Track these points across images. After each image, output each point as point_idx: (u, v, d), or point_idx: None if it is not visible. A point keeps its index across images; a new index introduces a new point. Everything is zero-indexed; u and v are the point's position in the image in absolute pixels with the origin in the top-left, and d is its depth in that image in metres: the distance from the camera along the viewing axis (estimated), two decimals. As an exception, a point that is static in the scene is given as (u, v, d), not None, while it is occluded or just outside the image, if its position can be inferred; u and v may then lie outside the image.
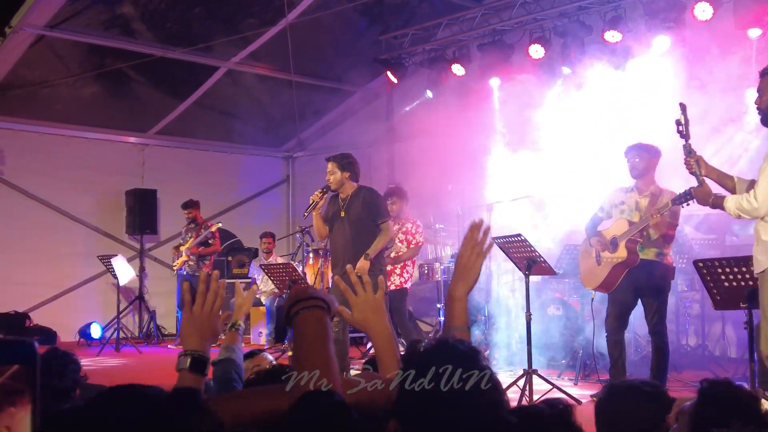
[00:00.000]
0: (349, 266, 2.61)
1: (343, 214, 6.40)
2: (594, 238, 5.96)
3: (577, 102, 8.57)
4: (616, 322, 5.79)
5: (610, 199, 6.06)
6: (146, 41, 9.58)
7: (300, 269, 9.05)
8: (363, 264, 6.06)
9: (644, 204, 5.75)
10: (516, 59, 9.19)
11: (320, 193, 6.45)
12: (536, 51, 8.92)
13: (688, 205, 5.27)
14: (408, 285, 8.15)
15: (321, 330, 1.60)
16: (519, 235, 5.66)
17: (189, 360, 1.93)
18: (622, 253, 5.71)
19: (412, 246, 8.14)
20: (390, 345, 2.17)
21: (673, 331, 7.58)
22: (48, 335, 10.30)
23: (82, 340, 10.58)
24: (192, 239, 10.13)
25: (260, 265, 9.67)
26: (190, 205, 10.40)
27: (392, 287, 7.84)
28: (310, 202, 6.45)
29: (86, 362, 8.87)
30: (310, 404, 1.41)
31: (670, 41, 7.96)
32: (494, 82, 9.59)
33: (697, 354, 7.81)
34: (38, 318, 10.50)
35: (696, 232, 7.66)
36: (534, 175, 8.77)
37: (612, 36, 8.33)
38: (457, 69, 9.77)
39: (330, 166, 6.46)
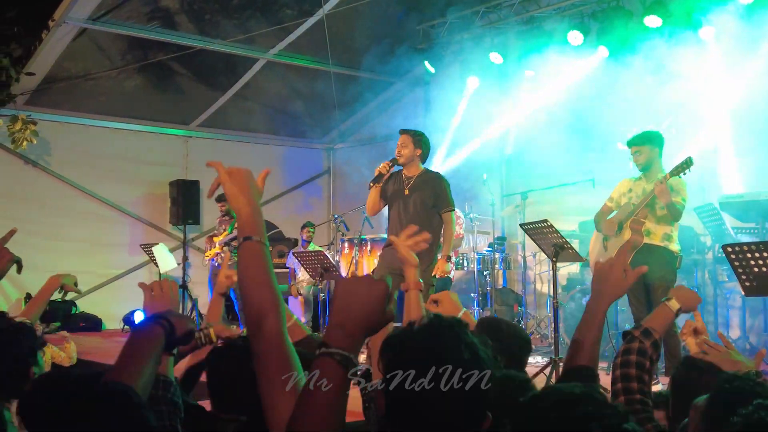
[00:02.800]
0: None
1: (407, 192, 6.11)
2: (601, 224, 5.97)
3: (619, 86, 8.42)
4: (639, 305, 5.72)
5: (619, 189, 6.14)
6: (187, 33, 9.71)
7: (336, 258, 9.09)
8: (443, 267, 5.93)
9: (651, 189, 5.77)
10: (554, 46, 9.03)
11: (388, 164, 6.12)
12: (575, 37, 8.79)
13: (685, 174, 5.37)
14: (452, 275, 8.19)
15: (150, 347, 1.84)
16: (545, 220, 5.58)
17: None
18: (626, 234, 5.69)
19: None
20: None
21: (712, 323, 7.40)
22: (93, 322, 10.58)
23: (126, 327, 10.82)
24: (225, 233, 10.25)
25: (293, 253, 9.72)
26: (224, 197, 10.52)
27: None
28: (376, 173, 6.13)
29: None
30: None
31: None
32: (532, 68, 9.44)
33: (738, 346, 7.53)
34: (84, 305, 10.76)
35: (735, 220, 7.45)
36: (574, 162, 8.67)
37: (652, 21, 8.15)
38: (495, 57, 9.68)
39: (403, 138, 6.21)
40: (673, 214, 5.62)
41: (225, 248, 10.26)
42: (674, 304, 2.41)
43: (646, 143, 5.86)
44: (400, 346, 1.54)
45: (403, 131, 6.35)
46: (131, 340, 1.84)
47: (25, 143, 9.83)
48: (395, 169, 6.27)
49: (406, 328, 1.57)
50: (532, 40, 9.22)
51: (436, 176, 6.26)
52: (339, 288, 1.54)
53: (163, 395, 2.03)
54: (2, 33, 8.84)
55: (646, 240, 5.71)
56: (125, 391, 1.53)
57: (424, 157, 6.28)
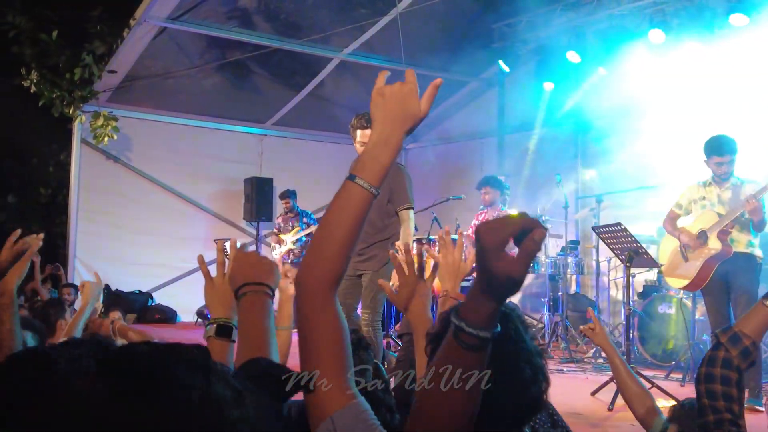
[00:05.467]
0: (404, 244, 2.56)
1: None
2: (682, 235, 5.69)
3: (700, 85, 8.12)
4: (718, 315, 5.45)
5: (688, 195, 5.84)
6: (264, 33, 9.83)
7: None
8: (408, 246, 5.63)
9: (727, 196, 5.54)
10: (634, 44, 8.76)
11: None
12: (656, 36, 8.51)
13: None
14: None
15: (263, 313, 1.77)
16: (619, 224, 5.40)
17: (215, 327, 2.02)
18: (715, 244, 5.43)
19: None
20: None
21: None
22: (168, 314, 10.84)
23: (199, 320, 11.04)
24: (296, 229, 10.42)
25: None
26: (287, 195, 10.70)
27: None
28: None
29: (201, 341, 9.27)
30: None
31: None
32: (610, 67, 9.17)
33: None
34: (160, 298, 11.05)
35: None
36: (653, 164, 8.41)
37: (737, 19, 7.82)
38: (573, 56, 9.46)
39: (369, 131, 5.98)
40: (758, 228, 5.38)
41: (297, 245, 10.40)
42: None
43: (735, 152, 5.55)
44: None
45: (368, 121, 6.01)
46: (244, 323, 1.75)
47: (106, 139, 10.17)
48: None
49: None
50: (611, 39, 8.97)
51: (395, 168, 5.52)
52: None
53: None
54: (86, 31, 9.16)
55: (732, 248, 5.48)
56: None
57: None
